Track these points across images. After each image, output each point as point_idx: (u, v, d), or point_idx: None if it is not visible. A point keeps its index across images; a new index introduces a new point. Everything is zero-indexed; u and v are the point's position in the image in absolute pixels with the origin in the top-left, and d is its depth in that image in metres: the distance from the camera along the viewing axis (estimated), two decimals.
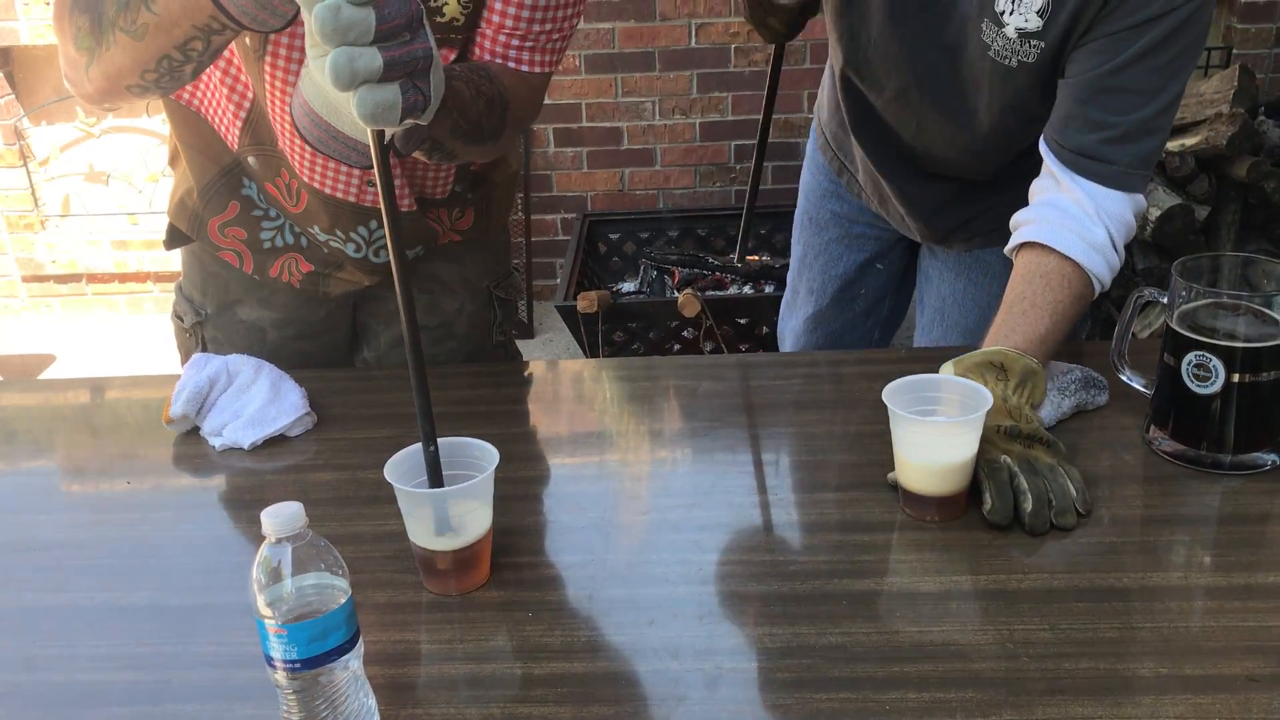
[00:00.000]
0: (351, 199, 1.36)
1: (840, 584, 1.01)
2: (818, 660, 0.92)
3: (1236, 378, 1.12)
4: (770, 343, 2.93)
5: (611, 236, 3.54)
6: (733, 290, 3.11)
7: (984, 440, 1.09)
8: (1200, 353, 1.13)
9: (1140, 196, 1.31)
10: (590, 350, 2.87)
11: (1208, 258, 1.20)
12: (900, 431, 1.09)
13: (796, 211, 1.93)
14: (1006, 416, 1.16)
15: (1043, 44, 1.31)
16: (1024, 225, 1.32)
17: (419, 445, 1.00)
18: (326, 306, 1.54)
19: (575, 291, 2.99)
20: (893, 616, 0.96)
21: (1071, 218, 1.28)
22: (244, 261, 1.47)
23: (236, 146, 1.36)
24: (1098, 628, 0.94)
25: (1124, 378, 1.27)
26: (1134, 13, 1.24)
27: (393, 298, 1.44)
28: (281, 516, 0.76)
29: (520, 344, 3.69)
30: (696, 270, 3.21)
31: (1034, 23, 1.30)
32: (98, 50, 1.07)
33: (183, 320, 1.55)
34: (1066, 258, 1.26)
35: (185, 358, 1.54)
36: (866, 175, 1.70)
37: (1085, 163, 1.28)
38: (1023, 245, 1.31)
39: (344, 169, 1.34)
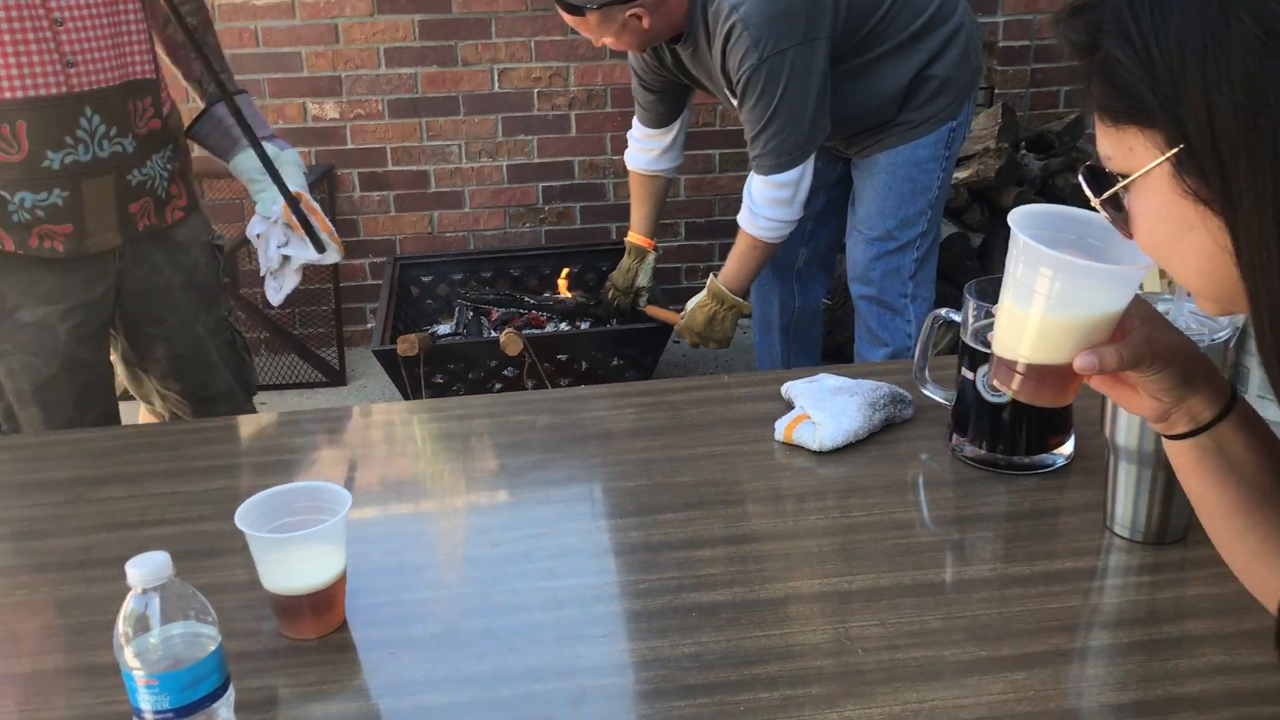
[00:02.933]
0: (56, 90, 1.56)
1: (688, 598, 1.07)
2: (674, 670, 0.97)
3: None
4: (590, 379, 2.99)
5: (424, 279, 3.53)
6: (550, 328, 3.16)
7: None
8: None
9: (773, 175, 2.35)
10: (411, 394, 2.86)
11: (993, 280, 1.33)
12: (1043, 273, 0.85)
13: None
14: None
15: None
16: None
17: (268, 491, 1.01)
18: (98, 285, 1.72)
19: (391, 335, 2.97)
20: (739, 624, 1.03)
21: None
22: (3, 241, 1.61)
23: None
24: (923, 619, 1.03)
25: (926, 391, 1.38)
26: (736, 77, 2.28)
27: (149, 262, 1.79)
28: (148, 567, 0.76)
29: (333, 391, 3.64)
30: (513, 309, 3.24)
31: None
32: None
33: None
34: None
35: None
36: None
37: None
38: None
39: (38, 53, 1.56)
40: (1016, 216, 0.87)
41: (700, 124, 3.69)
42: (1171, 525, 1.13)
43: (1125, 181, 0.74)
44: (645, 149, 2.74)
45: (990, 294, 1.31)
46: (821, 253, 2.79)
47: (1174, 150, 0.69)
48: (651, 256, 2.92)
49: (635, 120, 2.73)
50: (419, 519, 1.25)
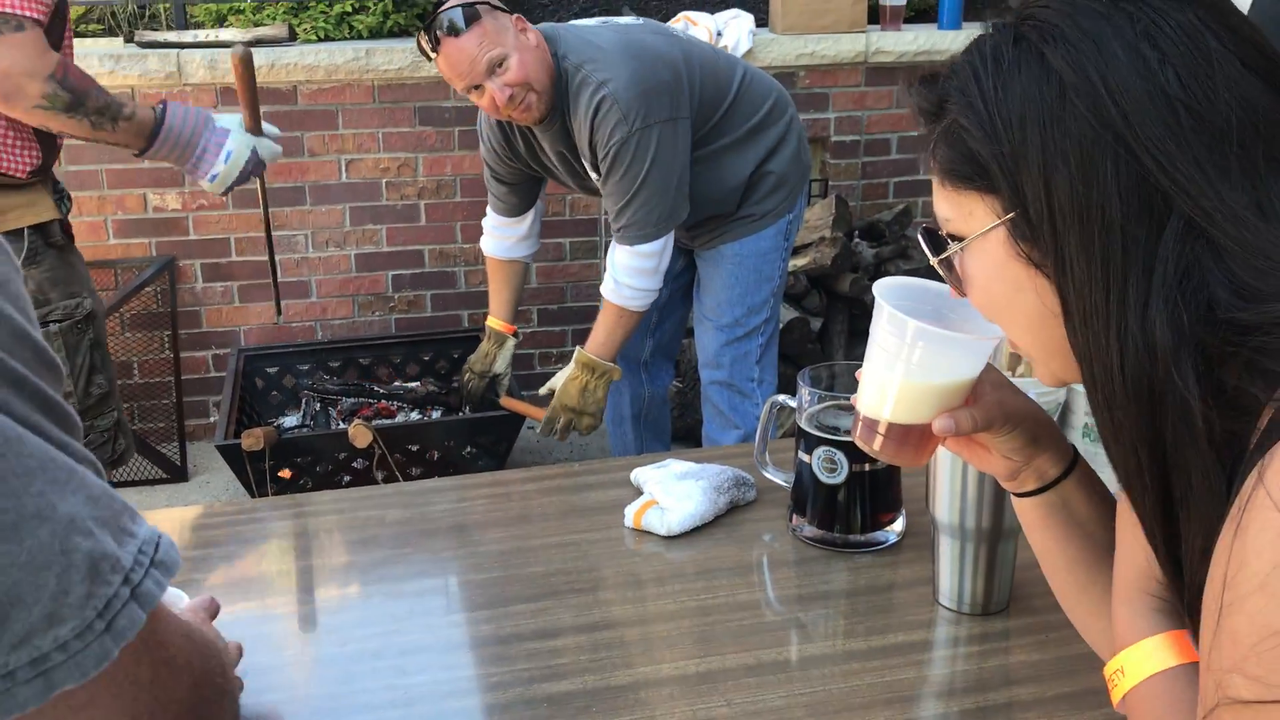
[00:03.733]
0: None
1: (541, 689, 1.08)
2: None
3: (857, 467, 1.31)
4: (442, 468, 2.97)
5: (269, 371, 3.47)
6: (401, 418, 3.14)
7: None
8: (827, 448, 1.32)
9: (639, 245, 2.42)
10: (257, 489, 2.79)
11: (825, 366, 1.41)
12: (907, 341, 0.91)
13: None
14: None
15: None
16: None
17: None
18: None
19: (236, 429, 2.90)
20: (590, 712, 1.04)
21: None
22: None
23: None
24: (765, 698, 1.06)
25: (767, 474, 1.44)
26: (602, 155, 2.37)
27: None
28: None
29: (174, 488, 3.51)
30: (362, 399, 3.21)
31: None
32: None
33: None
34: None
35: None
36: None
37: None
38: None
39: None
40: (882, 287, 0.93)
41: (551, 213, 3.76)
42: (995, 597, 1.20)
43: (963, 244, 0.80)
44: (502, 236, 2.79)
45: (822, 381, 1.38)
46: (666, 343, 2.87)
47: (1010, 214, 0.75)
48: (511, 342, 2.94)
49: (490, 210, 2.77)
50: (266, 619, 1.23)
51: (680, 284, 2.76)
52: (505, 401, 2.96)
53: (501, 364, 2.95)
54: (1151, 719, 0.78)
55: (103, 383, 2.21)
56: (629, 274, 2.45)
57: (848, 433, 1.31)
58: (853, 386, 1.39)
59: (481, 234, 2.84)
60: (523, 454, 3.53)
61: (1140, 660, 0.79)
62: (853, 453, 1.30)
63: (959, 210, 0.80)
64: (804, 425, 1.34)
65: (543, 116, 2.37)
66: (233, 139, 2.23)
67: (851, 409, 1.33)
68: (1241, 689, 0.61)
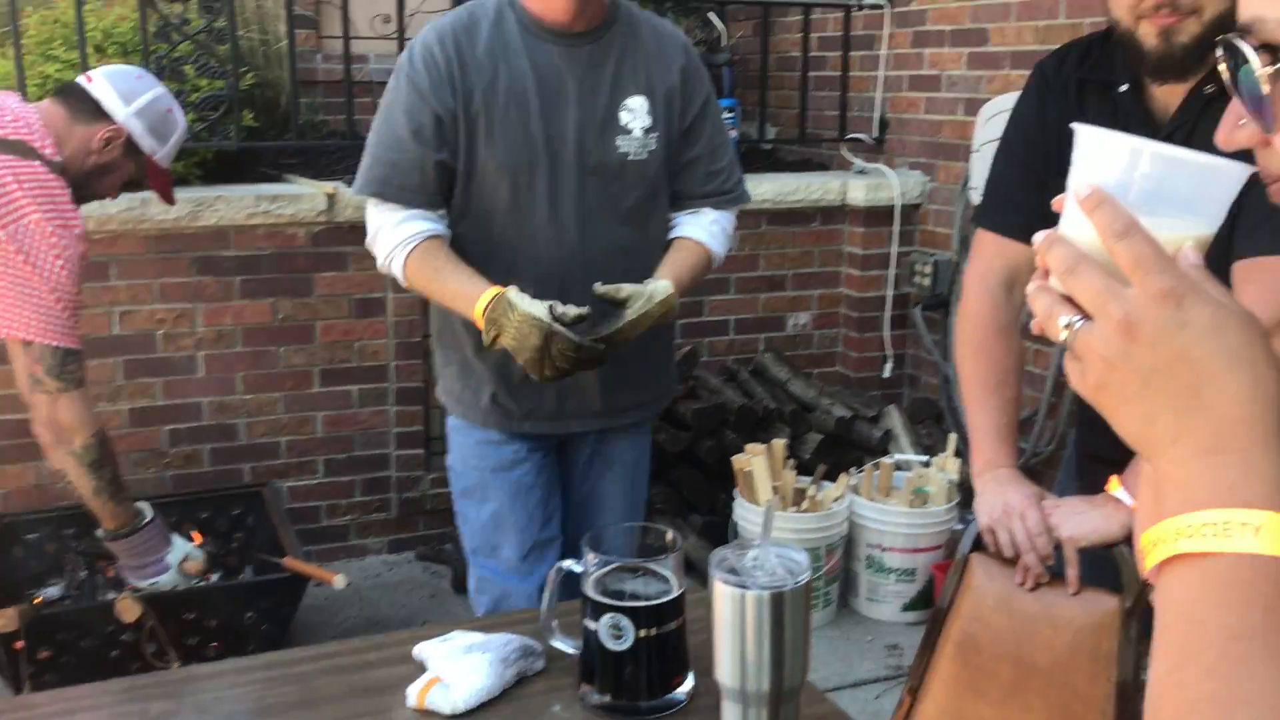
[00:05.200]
0: None
1: None
2: None
3: (644, 632, 1.32)
4: (221, 638, 2.80)
5: (28, 537, 3.21)
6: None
7: None
8: (612, 614, 1.32)
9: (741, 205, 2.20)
10: (11, 674, 2.55)
11: (610, 529, 1.42)
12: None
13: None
14: None
15: None
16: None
17: None
18: None
19: None
20: None
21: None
22: None
23: None
24: None
25: (554, 643, 1.42)
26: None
27: None
28: None
29: None
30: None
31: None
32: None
33: None
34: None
35: None
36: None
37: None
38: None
39: None
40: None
41: (337, 360, 3.70)
42: None
43: None
44: (424, 220, 2.01)
45: (603, 545, 1.39)
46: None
47: None
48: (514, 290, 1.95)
49: (391, 216, 2.00)
50: None
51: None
52: (289, 562, 2.83)
53: (540, 307, 1.87)
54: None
55: None
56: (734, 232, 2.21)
57: (632, 596, 1.32)
58: (639, 549, 1.41)
59: None
60: (309, 611, 3.37)
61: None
62: (638, 617, 1.31)
63: None
64: (589, 591, 1.34)
65: (606, 15, 2.00)
66: (172, 556, 2.73)
67: (635, 570, 1.35)
68: None
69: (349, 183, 3.61)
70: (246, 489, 3.48)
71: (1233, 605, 0.57)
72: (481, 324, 1.90)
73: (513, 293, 1.88)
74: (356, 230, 3.56)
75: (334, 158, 4.00)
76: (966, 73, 3.99)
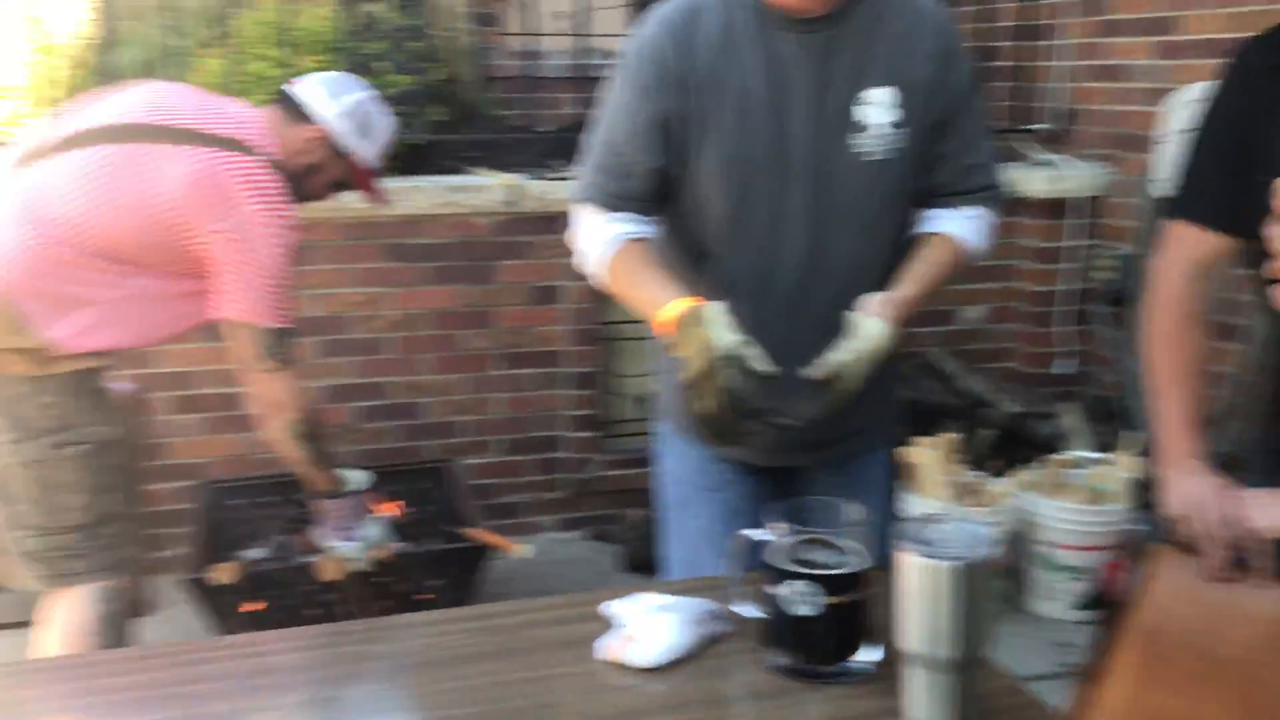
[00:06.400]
0: None
1: None
2: None
3: (832, 600, 1.36)
4: (408, 605, 2.96)
5: (236, 503, 3.46)
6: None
7: None
8: (797, 581, 1.37)
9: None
10: (224, 623, 2.76)
11: (796, 501, 1.46)
12: None
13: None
14: None
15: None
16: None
17: None
18: None
19: (203, 563, 2.89)
20: None
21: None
22: None
23: None
24: None
25: (739, 609, 1.48)
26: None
27: None
28: None
29: (135, 623, 3.45)
30: None
31: None
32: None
33: None
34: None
35: None
36: None
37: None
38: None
39: None
40: None
41: (515, 345, 3.84)
42: None
43: None
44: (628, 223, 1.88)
45: (794, 516, 1.43)
46: None
47: None
48: (714, 307, 1.72)
49: (599, 218, 1.87)
50: None
51: None
52: (473, 533, 2.97)
53: (727, 334, 1.67)
54: None
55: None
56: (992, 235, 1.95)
57: (820, 565, 1.37)
58: (822, 520, 1.45)
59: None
60: (492, 584, 3.52)
61: None
62: (822, 585, 1.35)
63: None
64: (774, 559, 1.39)
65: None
66: (366, 532, 2.97)
67: (821, 542, 1.39)
68: None
69: (529, 175, 3.76)
70: (431, 464, 3.66)
71: None
72: (668, 331, 1.70)
73: (712, 309, 1.67)
74: (535, 221, 3.71)
75: (513, 150, 4.15)
76: (1153, 62, 3.87)
